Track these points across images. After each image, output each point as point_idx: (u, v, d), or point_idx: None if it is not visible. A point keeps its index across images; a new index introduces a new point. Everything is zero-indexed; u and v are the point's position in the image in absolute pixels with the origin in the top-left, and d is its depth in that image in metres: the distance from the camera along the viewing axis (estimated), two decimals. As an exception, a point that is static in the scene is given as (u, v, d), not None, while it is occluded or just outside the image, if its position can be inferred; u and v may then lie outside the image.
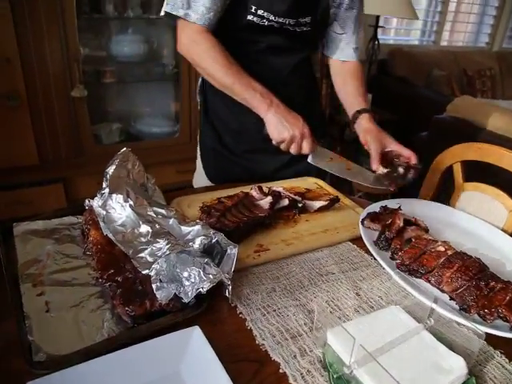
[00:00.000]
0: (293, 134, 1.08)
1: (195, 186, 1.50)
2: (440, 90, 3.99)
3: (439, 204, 1.21)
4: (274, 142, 1.13)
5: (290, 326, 0.73)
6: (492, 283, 0.80)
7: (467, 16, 5.13)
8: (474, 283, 0.80)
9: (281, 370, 0.64)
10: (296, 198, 1.07)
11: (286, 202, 1.05)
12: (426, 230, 0.98)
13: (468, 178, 1.33)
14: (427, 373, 0.63)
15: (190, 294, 0.71)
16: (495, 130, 2.43)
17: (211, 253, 0.80)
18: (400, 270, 0.85)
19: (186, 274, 0.72)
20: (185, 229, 0.84)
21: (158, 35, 2.78)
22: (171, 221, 0.86)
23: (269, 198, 1.02)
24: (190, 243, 0.77)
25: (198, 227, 0.83)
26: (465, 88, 4.33)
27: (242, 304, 0.77)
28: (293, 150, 1.12)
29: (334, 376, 0.62)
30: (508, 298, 0.78)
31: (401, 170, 1.13)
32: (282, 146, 1.13)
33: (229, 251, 0.78)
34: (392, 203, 1.07)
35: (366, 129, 1.21)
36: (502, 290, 0.79)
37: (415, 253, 0.87)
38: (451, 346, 0.68)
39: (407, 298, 0.80)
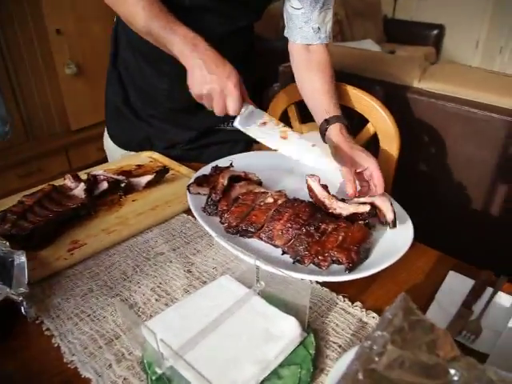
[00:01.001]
0: (211, 86, 0.80)
1: (106, 150, 1.32)
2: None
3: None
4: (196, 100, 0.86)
5: (106, 330, 0.62)
6: (323, 226, 0.76)
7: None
8: (305, 230, 0.74)
9: (92, 387, 0.54)
10: (118, 177, 0.94)
11: (104, 185, 0.92)
12: (259, 183, 0.91)
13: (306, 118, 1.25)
14: (257, 344, 0.56)
15: (-31, 326, 0.57)
16: (343, 70, 2.46)
17: (4, 267, 0.66)
18: (230, 234, 0.77)
19: (-42, 305, 0.58)
20: (-33, 246, 0.69)
21: None
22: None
23: (82, 185, 0.88)
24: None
25: (-18, 241, 0.68)
26: (314, 35, 4.41)
27: (49, 318, 0.65)
28: (216, 109, 0.83)
29: (153, 378, 0.53)
30: (340, 238, 0.73)
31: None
32: (205, 104, 0.85)
33: (17, 261, 0.64)
34: (225, 161, 0.99)
35: (335, 145, 0.95)
36: (333, 231, 0.75)
37: (242, 211, 0.79)
38: (287, 306, 0.62)
39: (243, 262, 0.72)
